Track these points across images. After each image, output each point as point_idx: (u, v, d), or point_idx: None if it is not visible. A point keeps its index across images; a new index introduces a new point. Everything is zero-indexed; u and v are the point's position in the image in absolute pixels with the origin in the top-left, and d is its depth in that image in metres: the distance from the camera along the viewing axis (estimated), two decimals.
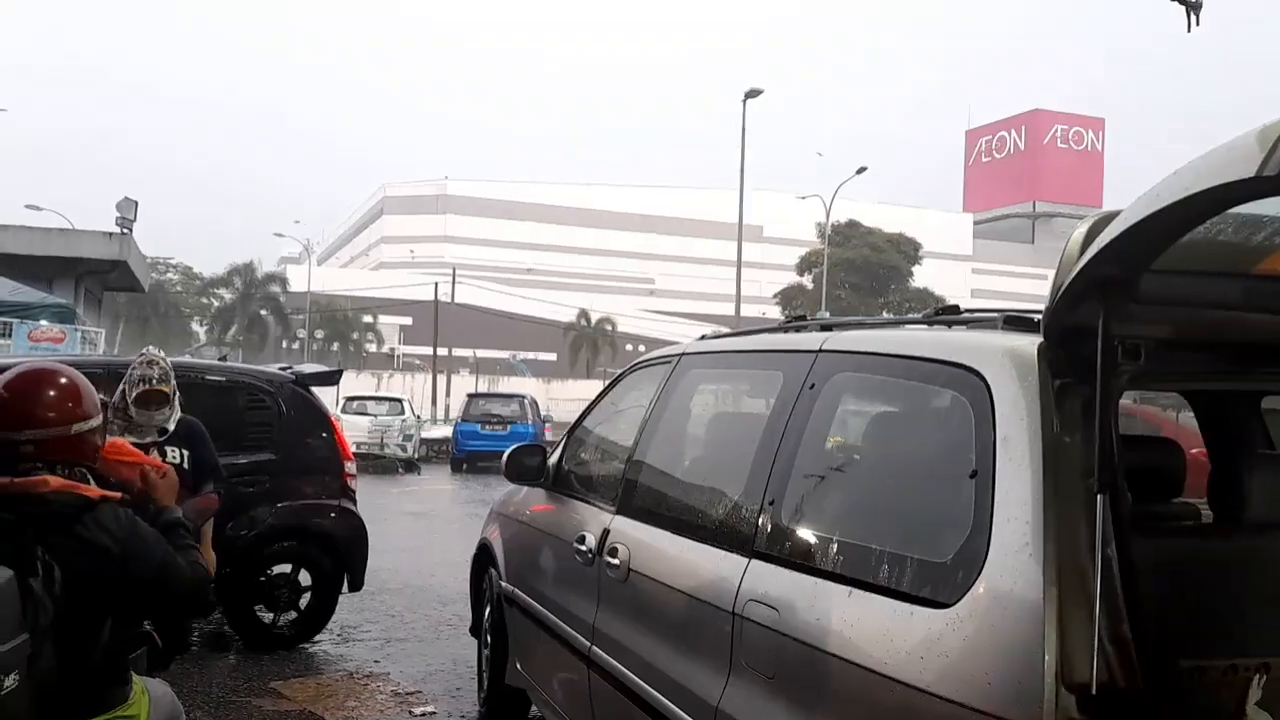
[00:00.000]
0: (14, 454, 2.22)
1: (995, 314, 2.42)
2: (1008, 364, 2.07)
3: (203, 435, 4.79)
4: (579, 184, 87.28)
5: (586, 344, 59.68)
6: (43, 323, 9.38)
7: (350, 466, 6.69)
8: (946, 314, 2.68)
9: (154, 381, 4.52)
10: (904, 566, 2.10)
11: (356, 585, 6.38)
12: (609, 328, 60.41)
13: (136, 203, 16.68)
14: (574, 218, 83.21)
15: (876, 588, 2.14)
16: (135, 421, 4.48)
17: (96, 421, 2.34)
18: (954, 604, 1.93)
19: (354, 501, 6.58)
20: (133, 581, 2.25)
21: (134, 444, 3.32)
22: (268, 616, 6.15)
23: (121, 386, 4.52)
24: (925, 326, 2.68)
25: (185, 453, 4.66)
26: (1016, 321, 2.31)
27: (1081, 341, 1.89)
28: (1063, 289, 1.84)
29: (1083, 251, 1.78)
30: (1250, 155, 1.31)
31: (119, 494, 2.31)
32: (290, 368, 7.31)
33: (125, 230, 16.55)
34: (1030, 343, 2.05)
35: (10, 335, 9.29)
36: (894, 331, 2.80)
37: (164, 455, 4.46)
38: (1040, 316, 2.08)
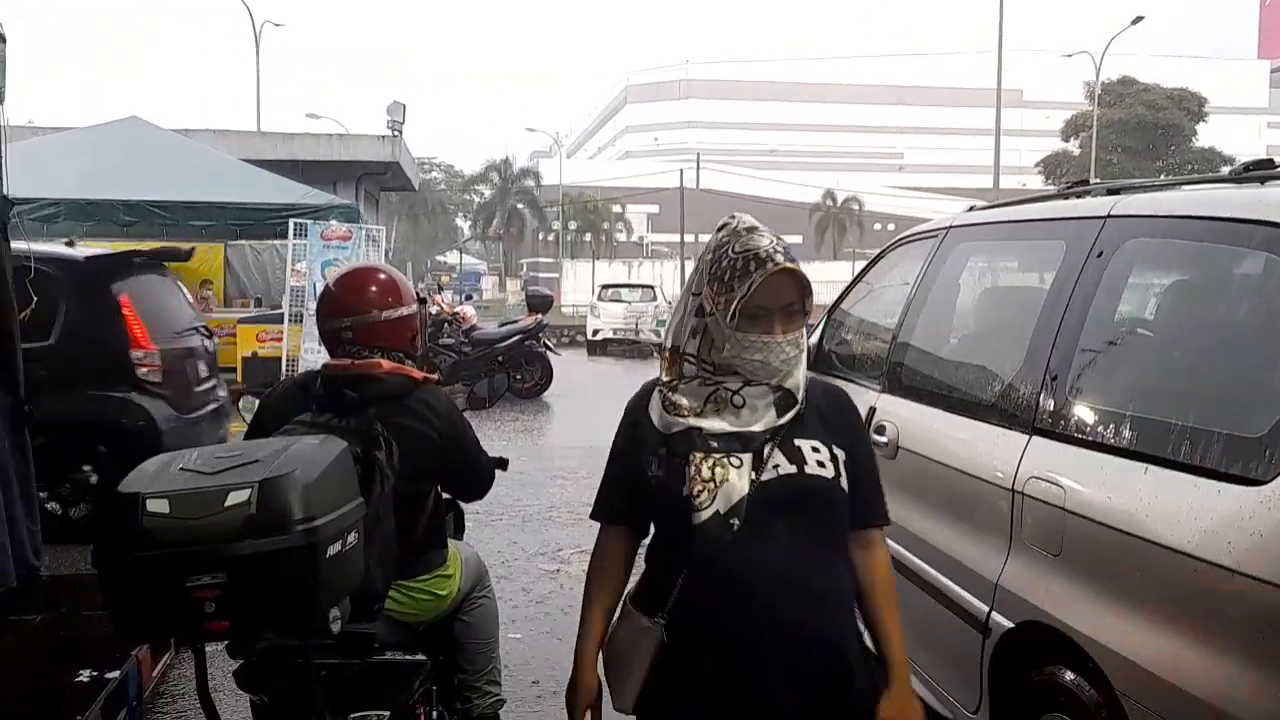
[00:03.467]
0: (340, 340, 2.50)
1: None
2: None
3: None
4: (822, 59, 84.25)
5: (833, 224, 58.43)
6: (332, 222, 10.22)
7: (142, 355, 6.03)
8: (1260, 169, 2.42)
9: None
10: (1209, 443, 1.98)
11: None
12: (856, 207, 58.74)
13: (405, 105, 17.64)
14: (817, 94, 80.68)
15: (1177, 464, 2.04)
16: None
17: (406, 310, 2.56)
18: (1270, 482, 1.80)
19: (151, 394, 6.04)
20: (451, 453, 2.52)
21: None
22: (60, 510, 5.85)
23: None
24: (1233, 185, 2.43)
25: None
26: None
27: None
28: None
29: None
30: None
31: (436, 375, 2.56)
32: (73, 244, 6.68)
33: (396, 133, 17.60)
34: None
35: (305, 235, 10.19)
36: (1195, 191, 2.56)
37: None
38: None
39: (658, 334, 22.31)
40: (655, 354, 21.76)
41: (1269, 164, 2.49)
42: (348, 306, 2.51)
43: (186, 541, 1.89)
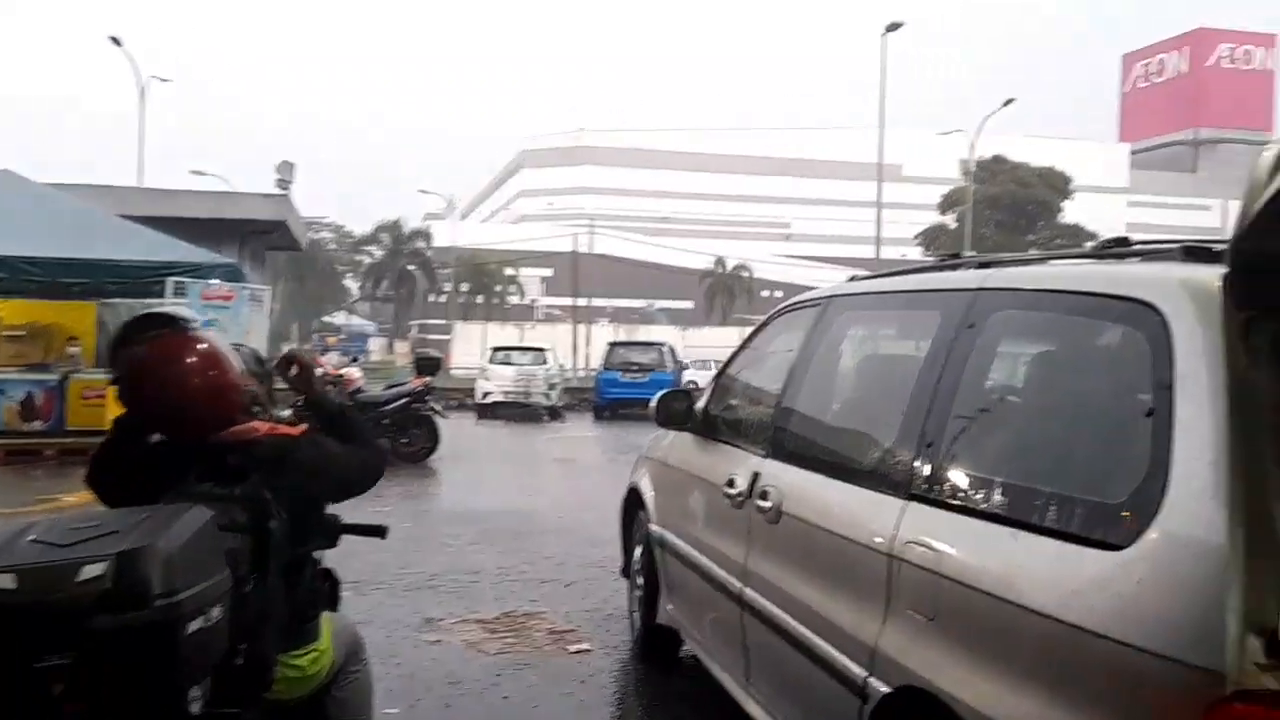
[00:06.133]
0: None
1: (1172, 245, 2.30)
2: (1187, 297, 1.97)
3: None
4: (713, 130, 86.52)
5: (722, 291, 59.50)
6: (214, 282, 9.95)
7: None
8: (1117, 246, 2.57)
9: None
10: (1073, 509, 2.05)
11: None
12: (745, 274, 60.00)
13: (294, 165, 17.46)
14: (709, 164, 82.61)
15: (1043, 529, 2.10)
16: None
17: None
18: (1128, 546, 1.87)
19: None
20: (344, 485, 2.50)
21: None
22: None
23: None
24: (1093, 261, 2.57)
25: None
26: (1196, 252, 2.19)
27: (1270, 272, 1.79)
28: (1251, 216, 1.73)
29: (1273, 176, 1.68)
30: None
31: (304, 426, 2.50)
32: None
33: (284, 191, 17.35)
34: (1212, 275, 1.94)
35: (185, 294, 9.89)
36: (1060, 266, 2.69)
37: None
38: (1223, 247, 1.97)
39: (548, 397, 22.24)
40: (546, 417, 21.72)
41: (1125, 241, 2.64)
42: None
43: (35, 619, 1.79)
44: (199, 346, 2.35)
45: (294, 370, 2.67)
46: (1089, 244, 2.78)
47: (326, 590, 2.76)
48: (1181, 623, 1.75)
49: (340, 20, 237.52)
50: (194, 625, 1.91)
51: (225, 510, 2.19)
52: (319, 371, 11.15)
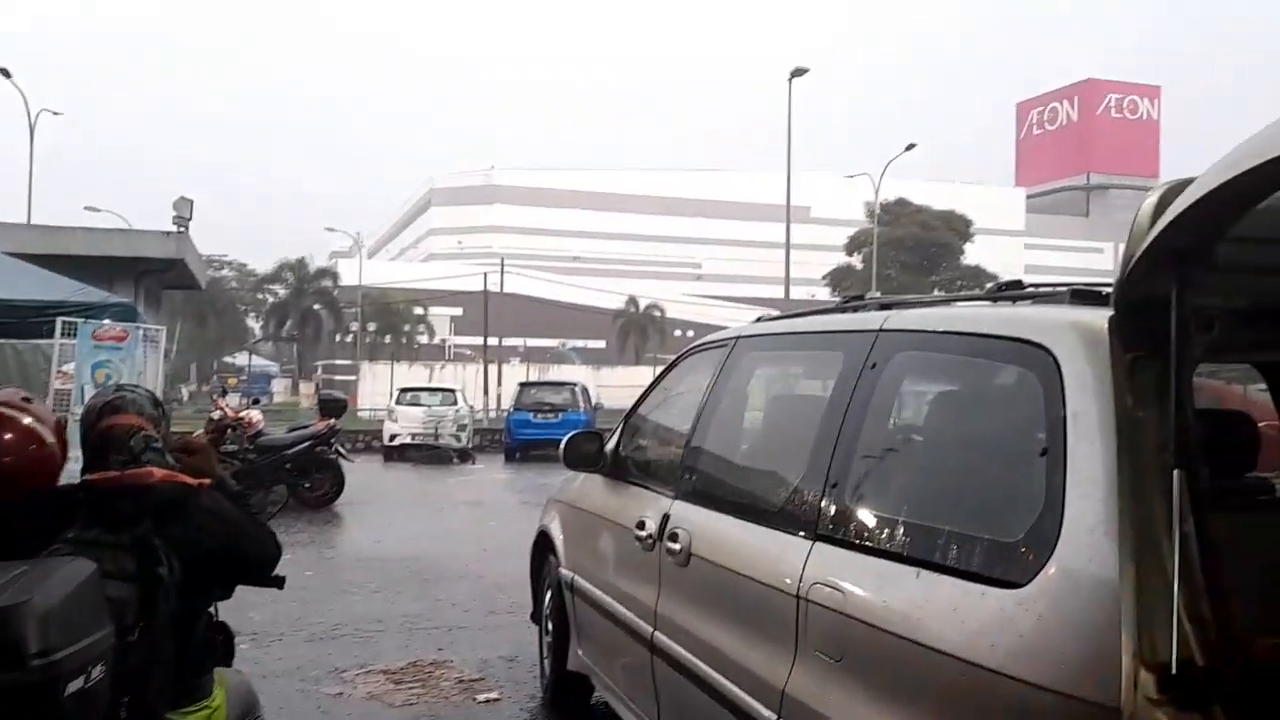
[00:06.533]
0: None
1: (1062, 288, 2.38)
2: (1077, 339, 2.03)
3: None
4: (625, 169, 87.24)
5: (635, 330, 59.68)
6: (106, 321, 9.57)
7: None
8: (1010, 290, 2.64)
9: None
10: (973, 547, 2.08)
11: None
12: (657, 313, 60.35)
13: (192, 201, 16.97)
14: (620, 204, 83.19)
15: (945, 568, 2.12)
16: None
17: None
18: (1026, 584, 1.91)
19: None
20: (237, 557, 2.37)
21: None
22: None
23: None
24: (989, 303, 2.64)
25: None
26: (1084, 295, 2.27)
27: (1154, 314, 1.85)
28: (1134, 260, 1.80)
29: (1154, 221, 1.74)
30: None
31: (209, 479, 2.41)
32: None
33: (182, 229, 16.86)
34: (1100, 317, 2.01)
35: (75, 335, 9.49)
36: (957, 309, 2.76)
37: None
38: (1109, 290, 2.04)
39: (458, 439, 21.95)
40: (455, 459, 21.41)
41: (1018, 285, 2.73)
42: None
43: None
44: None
45: (190, 456, 2.58)
46: (988, 285, 2.87)
47: (220, 644, 2.65)
48: (1078, 659, 1.78)
49: (247, 54, 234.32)
50: (74, 685, 1.82)
51: (112, 556, 2.11)
52: (216, 415, 10.89)
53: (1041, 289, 2.55)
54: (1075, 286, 2.34)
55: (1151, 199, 1.79)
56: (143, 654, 2.09)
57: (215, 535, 2.32)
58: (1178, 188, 1.70)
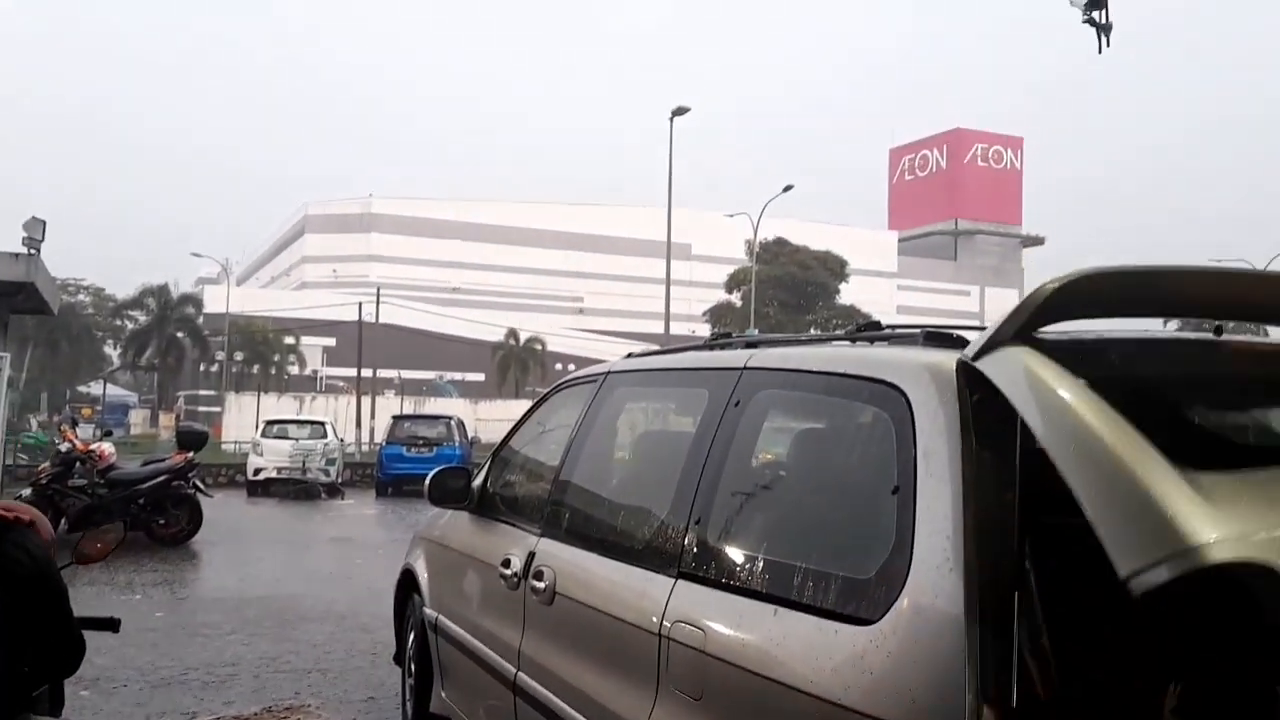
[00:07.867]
0: None
1: (916, 330, 2.44)
2: (927, 379, 2.08)
3: None
4: (505, 201, 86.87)
5: (515, 363, 59.33)
6: None
7: None
8: (869, 331, 2.70)
9: None
10: (828, 584, 2.10)
11: None
12: (538, 347, 60.15)
13: (44, 222, 16.07)
14: (501, 236, 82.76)
15: (801, 606, 2.13)
16: None
17: None
18: (877, 621, 1.93)
19: None
20: (37, 614, 2.18)
21: None
22: None
23: None
24: (849, 343, 2.69)
25: None
26: (936, 338, 2.33)
27: (995, 353, 1.91)
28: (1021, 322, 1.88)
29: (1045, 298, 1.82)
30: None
31: (30, 519, 2.24)
32: None
33: (33, 251, 15.95)
34: (949, 358, 2.06)
35: None
36: (817, 348, 2.81)
37: None
38: (960, 332, 2.10)
39: (327, 473, 21.30)
40: (324, 495, 20.75)
41: (877, 326, 2.79)
42: None
43: None
44: None
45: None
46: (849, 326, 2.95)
47: (46, 693, 2.47)
48: (925, 695, 1.80)
49: (116, 68, 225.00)
50: None
51: None
52: (64, 447, 10.34)
53: (898, 330, 2.61)
54: (928, 329, 2.41)
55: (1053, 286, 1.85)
56: None
57: (21, 576, 2.14)
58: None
